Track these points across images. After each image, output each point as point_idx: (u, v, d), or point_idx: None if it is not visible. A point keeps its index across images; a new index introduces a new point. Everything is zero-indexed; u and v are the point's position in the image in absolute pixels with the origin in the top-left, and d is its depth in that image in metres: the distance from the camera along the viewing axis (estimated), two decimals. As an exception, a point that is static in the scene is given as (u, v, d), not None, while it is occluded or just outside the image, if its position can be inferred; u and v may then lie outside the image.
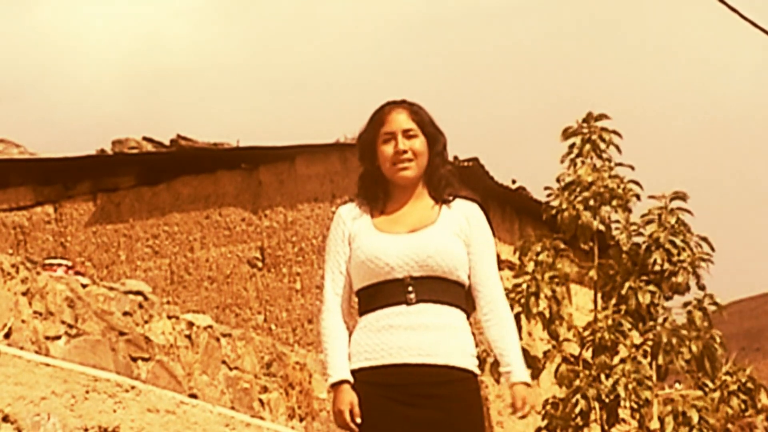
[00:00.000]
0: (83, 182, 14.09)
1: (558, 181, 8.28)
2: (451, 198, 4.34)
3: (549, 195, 8.26)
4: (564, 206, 8.09)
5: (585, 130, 8.28)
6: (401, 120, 4.30)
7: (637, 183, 8.20)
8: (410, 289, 4.18)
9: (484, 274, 4.28)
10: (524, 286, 7.89)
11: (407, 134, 4.28)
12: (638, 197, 8.22)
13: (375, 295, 4.21)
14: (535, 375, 8.20)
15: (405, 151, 4.25)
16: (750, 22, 9.11)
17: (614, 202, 8.11)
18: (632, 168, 8.26)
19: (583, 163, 8.25)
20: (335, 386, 4.18)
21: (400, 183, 4.29)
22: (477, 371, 4.24)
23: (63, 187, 14.18)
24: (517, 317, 7.89)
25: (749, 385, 8.42)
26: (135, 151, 13.74)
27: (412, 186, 4.32)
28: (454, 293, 4.23)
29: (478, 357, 4.28)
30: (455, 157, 11.90)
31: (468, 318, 4.31)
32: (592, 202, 8.09)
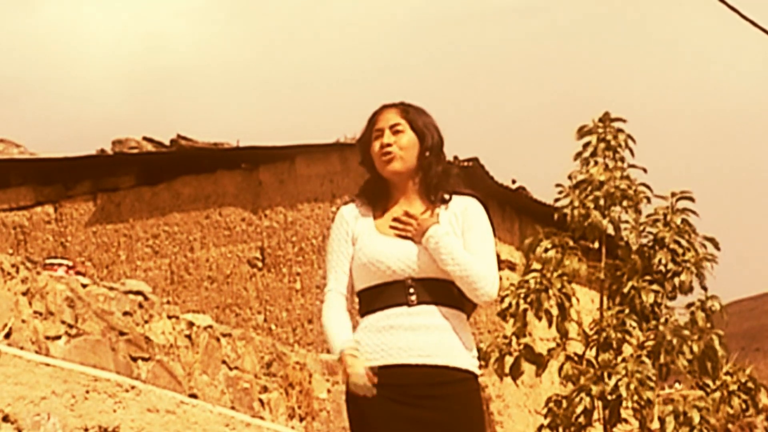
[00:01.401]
0: (83, 182, 14.09)
1: (569, 178, 8.27)
2: (448, 197, 4.34)
3: (560, 192, 8.24)
4: (575, 204, 8.08)
5: (600, 130, 8.26)
6: (389, 117, 4.32)
7: (647, 186, 8.19)
8: (411, 290, 4.19)
9: (468, 248, 4.24)
10: (532, 282, 7.87)
11: (394, 129, 4.29)
12: (648, 199, 8.21)
13: (376, 297, 4.21)
14: (539, 373, 8.20)
15: (389, 144, 4.26)
16: (750, 22, 9.10)
17: (624, 203, 8.10)
18: (645, 170, 8.27)
19: (596, 162, 8.24)
20: (344, 355, 4.15)
21: (388, 177, 4.30)
22: (477, 372, 4.24)
23: (63, 187, 14.18)
24: (524, 314, 7.89)
25: (750, 384, 8.40)
26: (135, 151, 13.74)
27: (406, 186, 4.31)
28: (454, 294, 4.24)
29: (478, 357, 4.28)
30: (455, 157, 11.89)
31: (468, 318, 4.31)
32: (602, 202, 8.07)
